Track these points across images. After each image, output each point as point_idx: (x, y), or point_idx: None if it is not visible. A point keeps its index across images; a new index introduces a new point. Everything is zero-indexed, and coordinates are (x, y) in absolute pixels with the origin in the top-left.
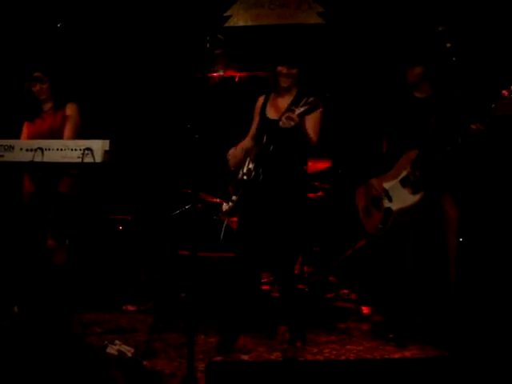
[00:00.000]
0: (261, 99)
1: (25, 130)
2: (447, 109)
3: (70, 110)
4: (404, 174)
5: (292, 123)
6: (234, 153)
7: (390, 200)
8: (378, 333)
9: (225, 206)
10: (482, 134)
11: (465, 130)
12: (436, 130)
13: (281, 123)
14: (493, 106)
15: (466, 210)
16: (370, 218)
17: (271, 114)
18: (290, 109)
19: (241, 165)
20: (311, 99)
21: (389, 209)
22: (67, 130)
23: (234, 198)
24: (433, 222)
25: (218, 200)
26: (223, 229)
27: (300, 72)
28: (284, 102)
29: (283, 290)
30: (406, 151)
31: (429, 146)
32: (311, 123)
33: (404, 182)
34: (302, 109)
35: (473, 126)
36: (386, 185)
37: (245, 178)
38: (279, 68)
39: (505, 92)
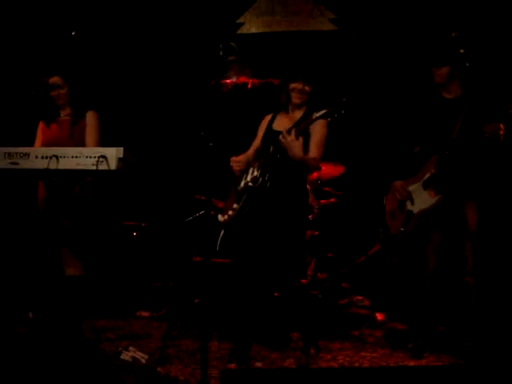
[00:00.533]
0: (267, 117)
1: (40, 134)
2: (476, 109)
3: (92, 118)
4: (427, 176)
5: (293, 139)
6: (237, 159)
7: (412, 203)
8: (392, 340)
9: (221, 217)
10: (500, 133)
11: (480, 130)
12: (463, 130)
13: (281, 137)
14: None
15: (484, 217)
16: (395, 220)
17: (277, 127)
18: (292, 128)
19: (242, 176)
20: (333, 103)
21: (410, 211)
22: (91, 140)
23: (235, 206)
24: (454, 230)
25: None
26: (219, 239)
27: (313, 89)
28: (293, 117)
29: (290, 298)
30: (433, 154)
31: (453, 147)
32: (314, 138)
33: (426, 185)
34: (321, 112)
35: (488, 127)
36: (411, 187)
37: (250, 184)
38: (293, 85)
39: None
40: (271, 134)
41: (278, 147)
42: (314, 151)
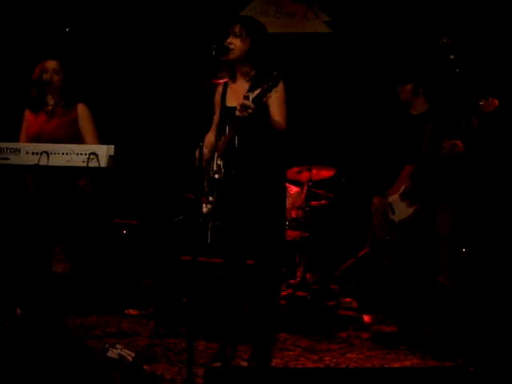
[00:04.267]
0: (219, 90)
1: (26, 123)
2: (442, 121)
3: (85, 111)
4: (402, 188)
5: (249, 111)
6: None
7: (393, 212)
8: (379, 341)
9: (205, 208)
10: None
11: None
12: (430, 143)
13: (237, 112)
14: (480, 103)
15: (464, 217)
16: (381, 229)
17: (230, 101)
18: (244, 96)
19: (210, 162)
20: (265, 79)
21: (392, 221)
22: (90, 134)
23: (211, 198)
24: (427, 233)
25: None
26: (209, 232)
27: (253, 47)
28: (242, 87)
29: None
30: (404, 166)
31: (423, 159)
32: (274, 106)
33: (403, 196)
34: (255, 92)
35: (446, 144)
36: (390, 198)
37: (216, 176)
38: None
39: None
40: (226, 112)
41: (233, 128)
42: (276, 114)
